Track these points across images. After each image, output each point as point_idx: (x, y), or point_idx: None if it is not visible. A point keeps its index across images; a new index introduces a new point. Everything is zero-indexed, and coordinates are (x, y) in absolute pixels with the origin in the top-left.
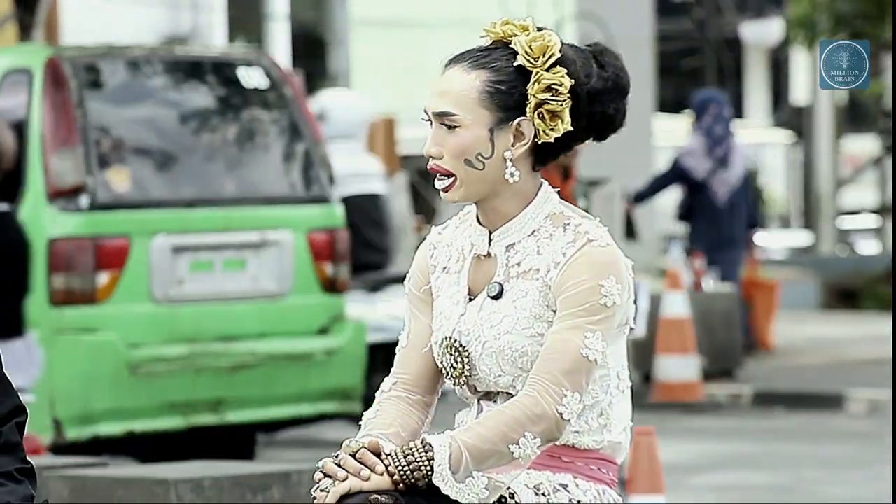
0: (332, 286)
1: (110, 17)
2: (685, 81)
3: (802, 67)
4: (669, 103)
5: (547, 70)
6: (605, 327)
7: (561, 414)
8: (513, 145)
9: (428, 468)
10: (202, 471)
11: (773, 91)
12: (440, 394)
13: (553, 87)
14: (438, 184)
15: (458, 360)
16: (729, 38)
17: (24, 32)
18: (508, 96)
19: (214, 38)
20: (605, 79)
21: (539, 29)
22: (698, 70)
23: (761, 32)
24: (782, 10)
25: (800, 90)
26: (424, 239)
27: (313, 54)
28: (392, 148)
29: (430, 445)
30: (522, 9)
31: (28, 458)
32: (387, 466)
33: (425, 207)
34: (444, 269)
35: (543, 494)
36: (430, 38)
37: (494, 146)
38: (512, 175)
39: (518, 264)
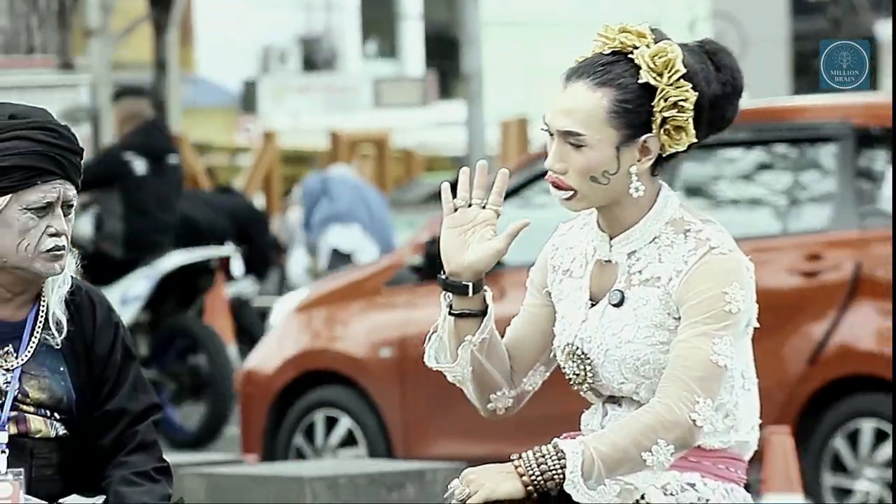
0: None
1: (244, 17)
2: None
3: None
4: None
5: (672, 86)
6: (732, 332)
7: (694, 420)
8: (638, 161)
9: (560, 476)
10: (337, 469)
11: None
12: (528, 387)
13: (679, 103)
14: (558, 194)
15: (581, 366)
16: (864, 37)
17: (159, 32)
18: (635, 115)
19: (347, 39)
20: (722, 83)
21: (657, 37)
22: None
23: None
24: None
25: None
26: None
27: (446, 54)
28: (524, 147)
29: (563, 452)
30: (654, 8)
31: (164, 456)
32: (521, 475)
33: None
34: (566, 272)
35: (671, 494)
36: (561, 38)
37: (620, 163)
38: (637, 190)
39: (640, 272)
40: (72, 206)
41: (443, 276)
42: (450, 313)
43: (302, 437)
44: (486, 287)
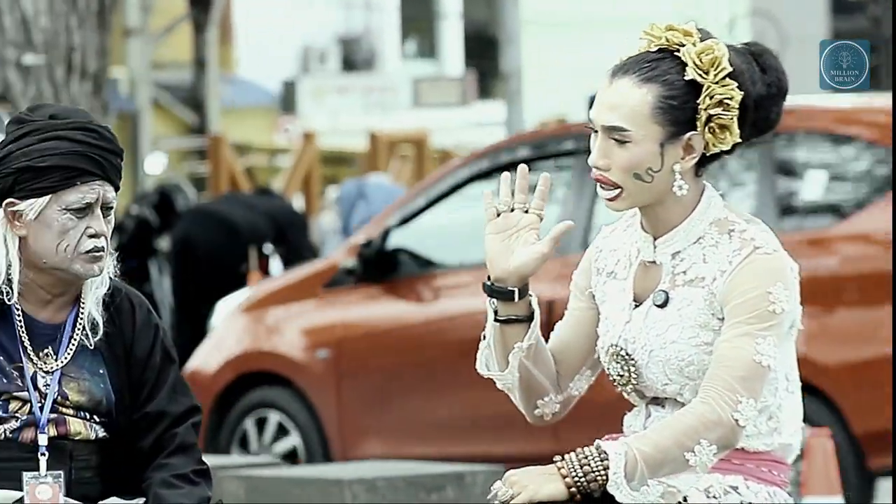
0: None
1: (284, 16)
2: None
3: None
4: None
5: (718, 84)
6: (776, 333)
7: (737, 420)
8: (682, 159)
9: (603, 477)
10: (376, 471)
11: None
12: (575, 392)
13: (724, 101)
14: (603, 193)
15: (625, 367)
16: None
17: (198, 32)
18: (680, 112)
19: (387, 39)
20: (768, 84)
21: (702, 35)
22: (874, 69)
23: None
24: None
25: None
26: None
27: (485, 54)
28: None
29: (606, 453)
30: (695, 7)
31: (203, 458)
32: (564, 476)
33: None
34: (611, 273)
35: (714, 497)
36: (601, 37)
37: (664, 160)
38: (680, 188)
39: (684, 272)
40: (111, 207)
41: (488, 283)
42: (496, 319)
43: (243, 437)
44: (531, 292)
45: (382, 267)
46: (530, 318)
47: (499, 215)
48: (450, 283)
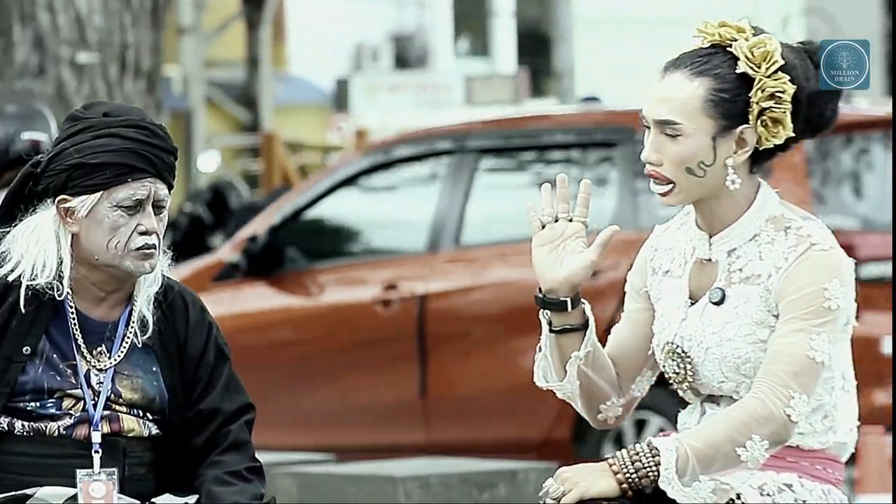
0: None
1: (337, 14)
2: None
3: None
4: None
5: (770, 77)
6: (830, 329)
7: (789, 416)
8: (735, 153)
9: (655, 473)
10: (429, 468)
11: None
12: (637, 393)
13: (776, 94)
14: (656, 188)
15: (681, 365)
16: None
17: (252, 30)
18: (732, 105)
19: (440, 37)
20: None
21: (756, 31)
22: None
23: None
24: None
25: None
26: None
27: (538, 51)
28: None
29: (657, 449)
30: (749, 5)
31: (256, 455)
32: (615, 473)
33: None
34: (666, 272)
35: (768, 495)
36: (654, 35)
37: (716, 154)
38: (733, 182)
39: (740, 270)
40: (164, 205)
41: (540, 295)
42: (551, 330)
43: None
44: (583, 300)
45: (268, 262)
46: (585, 326)
47: (543, 227)
48: (335, 278)
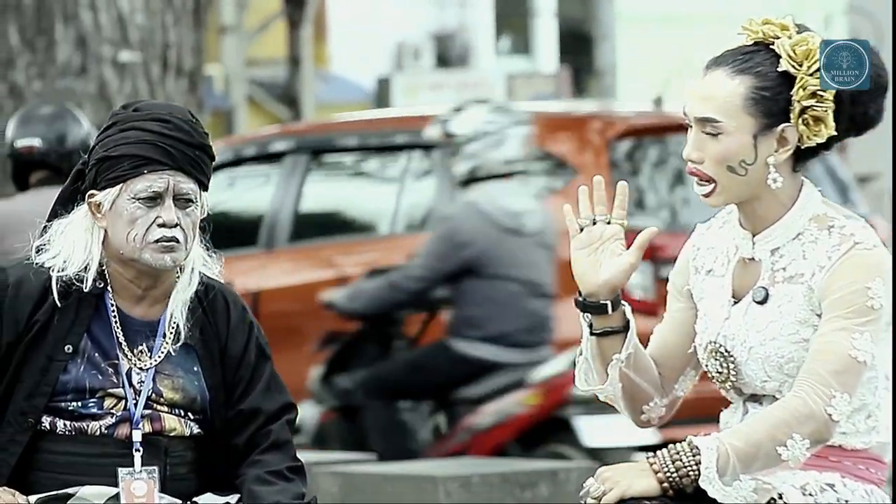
0: None
1: (378, 13)
2: None
3: None
4: None
5: (812, 75)
6: (873, 329)
7: (830, 415)
8: (776, 151)
9: (696, 472)
10: (470, 468)
11: None
12: (680, 393)
13: (818, 92)
14: (698, 189)
15: (724, 364)
16: None
17: (293, 29)
18: (773, 103)
19: (481, 35)
20: None
21: (799, 29)
22: None
23: None
24: None
25: None
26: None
27: (580, 50)
28: None
29: (698, 448)
30: (791, 4)
31: (298, 455)
32: (656, 472)
33: None
34: (709, 271)
35: (810, 495)
36: (696, 34)
37: (757, 152)
38: (775, 181)
39: (783, 269)
40: (189, 199)
41: (580, 298)
42: (591, 333)
43: None
44: (623, 302)
45: None
46: (626, 329)
47: (581, 230)
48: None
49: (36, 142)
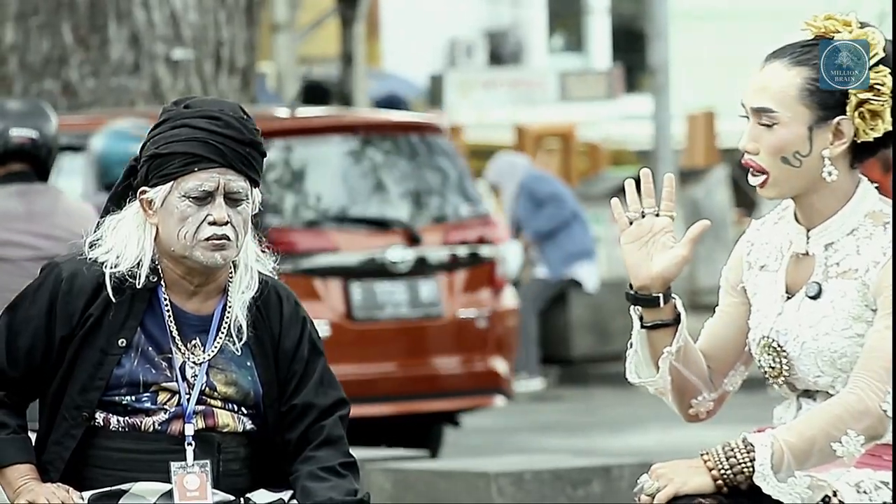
0: None
1: (430, 11)
2: None
3: None
4: None
5: (870, 69)
6: None
7: (885, 411)
8: (831, 144)
9: (750, 469)
10: (523, 464)
11: None
12: (729, 388)
13: (876, 86)
14: (752, 179)
15: (777, 359)
16: None
17: (346, 27)
18: (829, 95)
19: (534, 33)
20: None
21: (862, 25)
22: None
23: None
24: None
25: None
26: (744, 232)
27: (633, 47)
28: (712, 141)
29: (752, 445)
30: (847, 0)
31: (350, 451)
32: (710, 469)
33: (745, 201)
34: (762, 266)
35: (865, 492)
36: (751, 30)
37: (812, 144)
38: (829, 174)
39: (837, 264)
40: (241, 197)
41: (631, 291)
42: (642, 326)
43: None
44: (674, 295)
45: None
46: (677, 322)
47: (631, 223)
48: None
49: (34, 134)
